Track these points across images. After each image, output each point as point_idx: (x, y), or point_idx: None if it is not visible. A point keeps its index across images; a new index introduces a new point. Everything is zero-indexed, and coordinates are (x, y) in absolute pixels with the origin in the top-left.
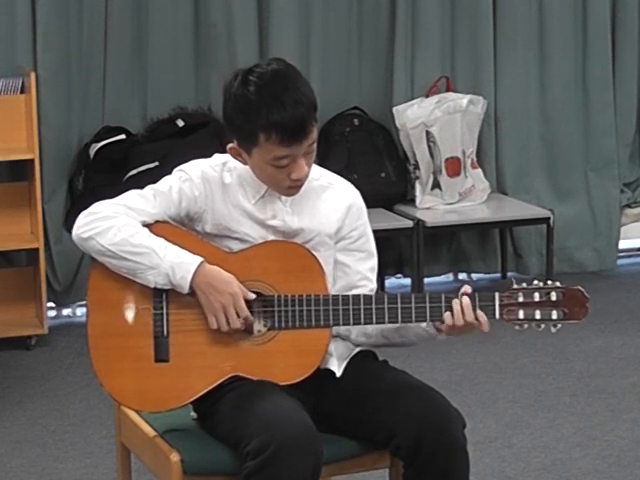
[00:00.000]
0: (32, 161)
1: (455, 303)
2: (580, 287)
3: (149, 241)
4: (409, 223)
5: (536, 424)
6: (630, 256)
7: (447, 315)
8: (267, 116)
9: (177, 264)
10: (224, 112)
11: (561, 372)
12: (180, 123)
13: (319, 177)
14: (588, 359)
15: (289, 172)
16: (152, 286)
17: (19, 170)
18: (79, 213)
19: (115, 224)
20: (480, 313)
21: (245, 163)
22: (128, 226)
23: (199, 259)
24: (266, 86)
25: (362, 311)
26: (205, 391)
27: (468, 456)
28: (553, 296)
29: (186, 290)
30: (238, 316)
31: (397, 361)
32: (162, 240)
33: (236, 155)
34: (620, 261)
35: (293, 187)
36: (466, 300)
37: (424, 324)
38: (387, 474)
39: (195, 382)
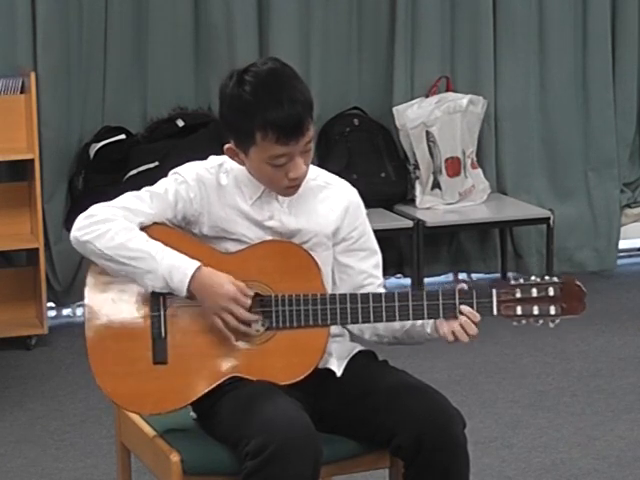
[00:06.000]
0: (32, 161)
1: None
2: (576, 280)
3: (146, 245)
4: (409, 223)
5: (536, 424)
6: (630, 256)
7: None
8: (264, 114)
9: (175, 268)
10: (220, 113)
11: (561, 372)
12: (180, 123)
13: (316, 177)
14: (588, 359)
15: (287, 171)
16: (150, 290)
17: (19, 170)
18: (79, 213)
19: (112, 227)
20: (464, 308)
21: (242, 164)
22: (125, 230)
23: (196, 263)
24: (262, 85)
25: (359, 310)
26: (204, 392)
27: (468, 456)
28: (551, 291)
29: (184, 294)
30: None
31: (397, 361)
32: (159, 244)
33: (233, 156)
34: (620, 261)
35: (291, 187)
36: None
37: (428, 330)
38: (387, 474)
39: (194, 383)
